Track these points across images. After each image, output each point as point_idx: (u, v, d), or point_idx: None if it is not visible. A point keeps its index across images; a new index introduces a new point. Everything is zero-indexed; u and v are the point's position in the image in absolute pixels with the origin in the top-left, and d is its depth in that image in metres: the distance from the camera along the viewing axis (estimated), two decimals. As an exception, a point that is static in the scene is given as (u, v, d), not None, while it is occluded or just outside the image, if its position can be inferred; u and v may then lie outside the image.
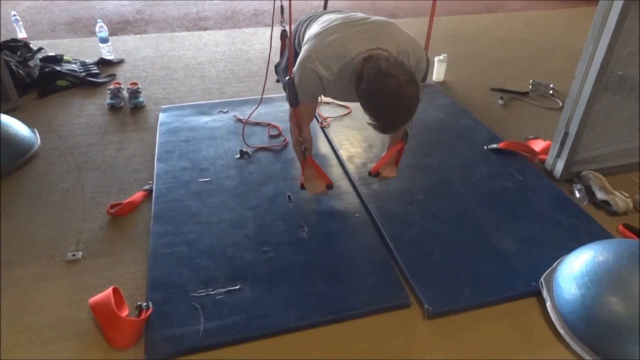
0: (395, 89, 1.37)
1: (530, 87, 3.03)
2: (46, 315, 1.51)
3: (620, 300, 1.38)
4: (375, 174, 1.89)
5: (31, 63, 2.89)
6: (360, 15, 1.70)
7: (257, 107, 2.46)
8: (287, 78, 1.67)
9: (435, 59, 3.07)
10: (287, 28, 2.17)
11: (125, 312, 1.49)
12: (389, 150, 1.89)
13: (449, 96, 2.90)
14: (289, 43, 1.80)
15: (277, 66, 2.33)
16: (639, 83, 2.04)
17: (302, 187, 1.89)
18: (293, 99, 1.66)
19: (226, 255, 1.72)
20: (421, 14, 4.43)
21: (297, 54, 1.83)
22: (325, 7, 2.46)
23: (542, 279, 1.62)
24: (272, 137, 2.43)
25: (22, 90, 2.75)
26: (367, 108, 1.45)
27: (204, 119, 2.56)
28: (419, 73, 1.62)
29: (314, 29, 1.69)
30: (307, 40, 1.65)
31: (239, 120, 2.54)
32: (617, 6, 1.76)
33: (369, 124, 1.48)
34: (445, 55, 3.07)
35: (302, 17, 1.92)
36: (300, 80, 1.59)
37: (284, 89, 2.21)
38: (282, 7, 2.14)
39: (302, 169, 1.88)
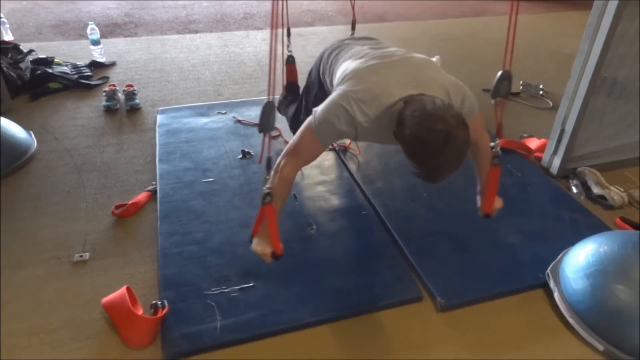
0: (444, 133, 1.15)
1: (520, 87, 3.11)
2: (57, 316, 1.49)
3: (628, 288, 1.43)
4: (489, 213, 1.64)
5: (22, 65, 2.83)
6: (396, 50, 1.55)
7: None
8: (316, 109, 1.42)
9: (429, 60, 3.12)
10: (293, 54, 2.16)
11: (139, 312, 1.47)
12: (490, 183, 1.63)
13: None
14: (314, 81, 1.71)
15: (281, 101, 2.22)
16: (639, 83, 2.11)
17: (251, 240, 1.46)
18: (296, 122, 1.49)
19: (236, 254, 1.71)
20: (409, 18, 4.51)
21: (321, 84, 1.76)
22: (353, 28, 2.27)
23: (548, 271, 1.67)
24: (273, 137, 2.44)
25: (13, 92, 2.69)
26: (411, 156, 1.23)
27: (203, 120, 2.55)
28: (466, 112, 1.41)
29: (349, 65, 1.51)
30: (343, 78, 1.45)
31: (239, 121, 2.53)
32: (612, 7, 1.83)
33: (413, 173, 1.25)
34: (438, 57, 3.13)
35: (328, 46, 1.77)
36: (327, 119, 1.36)
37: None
38: (288, 29, 2.10)
39: (257, 217, 1.43)
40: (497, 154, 1.59)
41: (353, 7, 2.17)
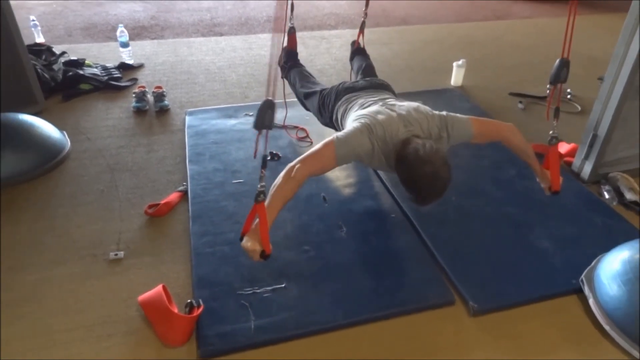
0: (431, 175, 1.48)
1: (547, 91, 3.07)
2: (95, 313, 1.52)
3: (667, 295, 1.41)
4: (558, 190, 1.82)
5: (55, 67, 2.90)
6: (395, 100, 1.84)
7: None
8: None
9: (454, 64, 3.12)
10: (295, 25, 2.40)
11: (175, 310, 1.49)
12: (552, 163, 1.82)
13: (469, 100, 2.95)
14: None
15: (282, 67, 2.38)
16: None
17: (241, 238, 1.48)
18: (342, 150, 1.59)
19: (268, 254, 1.73)
20: (432, 21, 4.49)
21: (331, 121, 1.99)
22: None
23: (582, 277, 1.65)
24: (300, 139, 2.46)
25: (47, 93, 2.75)
26: (406, 188, 1.58)
27: (231, 122, 2.58)
28: (462, 134, 1.71)
29: (361, 111, 1.75)
30: (358, 117, 1.70)
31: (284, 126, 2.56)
32: (649, 10, 1.80)
33: (407, 198, 1.63)
34: (464, 60, 3.12)
35: (332, 88, 2.03)
36: (350, 139, 1.60)
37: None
38: (292, 4, 2.27)
39: (249, 215, 1.49)
40: (554, 134, 1.81)
41: None
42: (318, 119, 2.17)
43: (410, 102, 1.77)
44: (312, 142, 2.42)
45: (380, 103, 1.77)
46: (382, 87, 1.99)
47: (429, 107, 1.76)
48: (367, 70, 2.29)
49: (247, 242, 1.45)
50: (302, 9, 4.62)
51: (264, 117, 1.39)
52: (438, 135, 1.67)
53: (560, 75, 1.70)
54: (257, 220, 1.47)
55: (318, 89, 2.15)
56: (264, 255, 1.45)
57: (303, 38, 3.91)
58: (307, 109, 2.30)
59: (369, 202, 2.03)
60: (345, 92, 1.96)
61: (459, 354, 1.45)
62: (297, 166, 1.54)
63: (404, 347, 1.46)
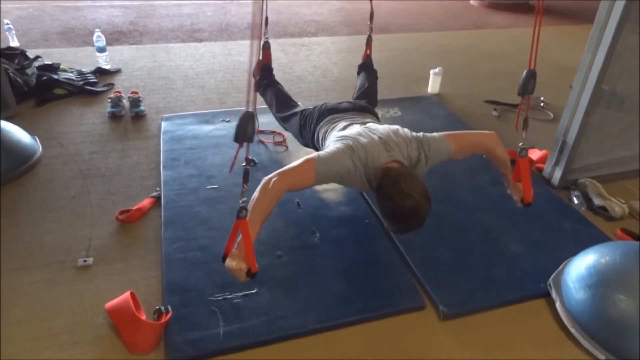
0: (411, 208, 1.48)
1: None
2: (61, 320, 1.49)
3: (629, 298, 1.44)
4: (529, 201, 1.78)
5: (28, 71, 2.86)
6: (375, 125, 1.80)
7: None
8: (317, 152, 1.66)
9: (431, 71, 3.16)
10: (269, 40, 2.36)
11: (142, 317, 1.47)
12: (523, 174, 1.77)
13: (445, 107, 2.99)
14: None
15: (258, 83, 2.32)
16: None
17: (224, 259, 1.42)
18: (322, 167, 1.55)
19: (240, 260, 1.72)
20: (412, 30, 4.56)
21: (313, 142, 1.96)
22: (371, 19, 2.41)
23: (550, 281, 1.68)
24: (276, 143, 2.46)
25: (19, 98, 2.71)
26: (384, 218, 1.62)
27: (208, 127, 2.57)
28: (441, 150, 1.70)
29: (342, 132, 1.75)
30: (341, 138, 1.69)
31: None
32: (614, 21, 1.86)
33: (386, 226, 1.70)
34: (441, 68, 3.17)
35: (314, 108, 2.01)
36: (331, 159, 1.58)
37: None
38: (266, 18, 2.22)
39: (231, 232, 1.41)
40: (523, 146, 1.75)
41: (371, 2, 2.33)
42: (298, 140, 2.14)
43: (390, 126, 1.76)
44: (287, 148, 2.42)
45: (362, 126, 1.77)
46: (365, 110, 1.99)
47: (407, 125, 1.78)
48: (366, 93, 2.26)
49: (231, 262, 1.38)
50: (283, 16, 4.65)
51: (245, 129, 1.33)
52: (417, 158, 1.67)
53: (527, 87, 1.70)
54: (239, 237, 1.40)
55: (298, 110, 2.13)
56: (250, 274, 1.36)
57: (283, 45, 3.93)
58: (285, 129, 2.30)
59: (343, 208, 2.04)
60: (328, 112, 1.94)
61: (429, 358, 1.46)
62: (274, 179, 1.50)
63: (375, 352, 1.46)
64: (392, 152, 1.63)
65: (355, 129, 1.74)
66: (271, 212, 1.51)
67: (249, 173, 1.40)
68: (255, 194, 1.50)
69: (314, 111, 2.01)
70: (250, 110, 1.33)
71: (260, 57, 2.33)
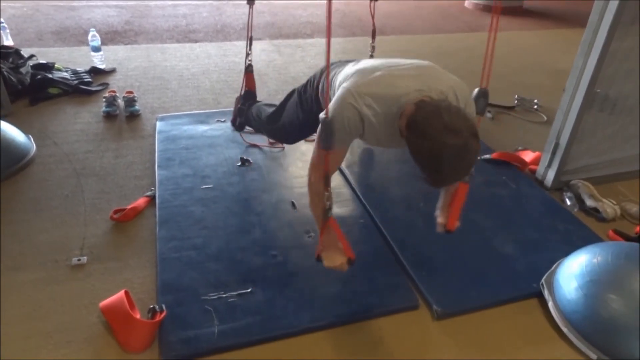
0: (462, 147, 1.16)
1: (515, 101, 3.16)
2: (54, 319, 1.48)
3: (621, 298, 1.45)
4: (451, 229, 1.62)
5: (23, 70, 2.84)
6: (400, 60, 1.53)
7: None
8: (322, 116, 1.34)
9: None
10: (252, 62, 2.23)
11: (137, 316, 1.47)
12: (458, 200, 1.62)
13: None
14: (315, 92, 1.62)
15: (240, 109, 2.27)
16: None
17: (318, 259, 1.47)
18: (326, 141, 1.33)
19: (235, 259, 1.73)
20: (407, 32, 4.58)
21: (317, 101, 1.71)
22: (373, 37, 2.33)
23: (542, 281, 1.69)
24: (271, 144, 2.45)
25: (13, 96, 2.70)
26: (423, 165, 1.23)
27: (203, 127, 2.57)
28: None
29: (350, 69, 1.50)
30: (345, 78, 1.45)
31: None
32: (606, 24, 1.88)
33: (419, 177, 1.25)
34: (435, 70, 3.18)
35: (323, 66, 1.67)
36: (337, 119, 1.33)
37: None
38: (251, 38, 2.15)
39: (320, 233, 1.45)
40: (472, 173, 1.52)
41: (373, 17, 2.23)
42: (293, 121, 1.87)
43: (422, 62, 1.49)
44: (283, 147, 2.42)
45: (381, 59, 1.49)
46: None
47: None
48: None
49: (331, 262, 1.43)
50: (278, 18, 4.66)
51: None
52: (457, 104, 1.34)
53: (477, 106, 1.52)
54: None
55: (290, 93, 1.95)
56: (350, 262, 1.44)
57: (279, 46, 3.94)
58: (276, 134, 2.12)
59: (338, 208, 2.04)
60: (335, 64, 1.67)
61: (423, 357, 1.47)
62: (313, 182, 1.45)
63: (369, 351, 1.47)
64: (426, 86, 1.31)
65: (369, 63, 1.45)
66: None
67: (329, 178, 1.37)
68: (311, 199, 1.51)
69: (316, 72, 1.75)
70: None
71: (244, 83, 2.24)
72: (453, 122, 1.17)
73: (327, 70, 1.33)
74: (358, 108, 1.32)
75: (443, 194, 1.68)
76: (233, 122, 2.42)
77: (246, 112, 2.26)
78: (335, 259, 1.43)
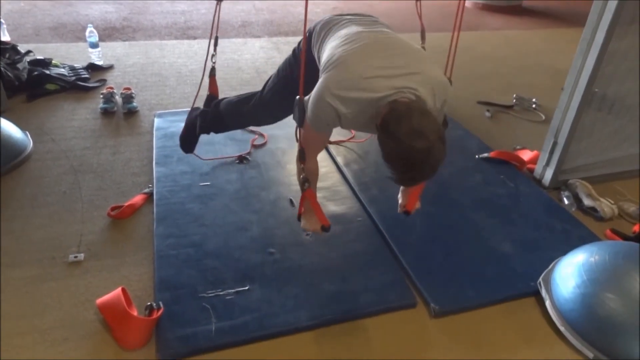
0: (425, 151, 1.22)
1: (514, 100, 3.16)
2: (51, 316, 1.48)
3: (618, 297, 1.45)
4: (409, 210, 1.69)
5: (20, 66, 2.83)
6: (388, 33, 1.56)
7: None
8: (297, 98, 1.46)
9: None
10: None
11: (134, 313, 1.47)
12: (416, 189, 1.71)
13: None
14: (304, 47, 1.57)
15: (204, 111, 2.13)
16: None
17: (299, 219, 1.64)
18: (300, 119, 1.47)
19: (233, 257, 1.72)
20: (405, 30, 4.55)
21: (312, 58, 1.67)
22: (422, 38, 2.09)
23: (540, 279, 1.69)
24: (254, 146, 2.41)
25: (10, 92, 2.69)
26: (390, 164, 1.30)
27: (201, 124, 2.56)
28: (441, 113, 1.49)
29: (336, 49, 1.47)
30: (330, 63, 1.44)
31: None
32: (604, 24, 1.88)
33: (388, 177, 1.33)
34: (434, 68, 3.18)
35: (319, 21, 1.70)
36: (315, 113, 1.42)
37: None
38: (217, 37, 2.00)
39: (300, 200, 1.60)
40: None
41: (420, 17, 2.06)
42: (287, 77, 1.80)
43: (412, 44, 1.49)
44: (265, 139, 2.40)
45: (369, 38, 1.47)
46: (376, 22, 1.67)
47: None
48: None
49: (306, 225, 1.62)
50: (277, 15, 4.65)
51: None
52: (442, 104, 1.41)
53: None
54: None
55: (272, 75, 1.89)
56: (324, 228, 1.57)
57: (277, 44, 3.93)
58: (258, 110, 1.95)
59: (336, 206, 2.04)
60: (323, 28, 1.65)
61: (420, 355, 1.47)
62: (300, 156, 1.54)
63: (366, 349, 1.47)
64: (406, 86, 1.34)
65: (357, 47, 1.43)
66: (318, 173, 1.67)
67: (304, 152, 1.53)
68: (297, 171, 1.62)
69: (309, 31, 1.70)
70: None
71: (208, 87, 2.11)
72: (421, 126, 1.23)
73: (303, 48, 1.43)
74: (335, 107, 1.37)
75: None
76: (183, 140, 2.14)
77: (213, 112, 2.08)
78: (311, 224, 1.61)
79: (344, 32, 1.55)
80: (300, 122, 1.49)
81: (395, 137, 1.24)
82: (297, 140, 1.57)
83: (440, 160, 1.27)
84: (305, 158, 1.54)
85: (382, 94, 1.33)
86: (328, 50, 1.52)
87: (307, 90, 1.48)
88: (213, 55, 2.02)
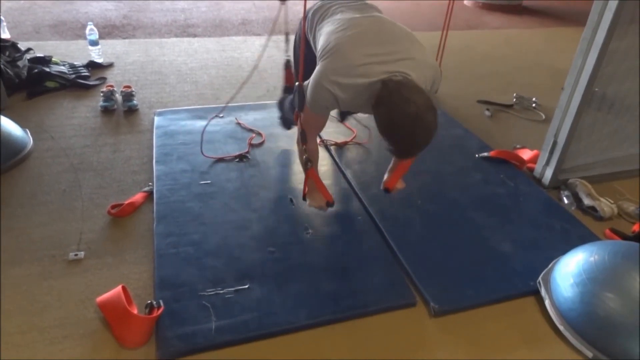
0: (413, 115, 1.34)
1: (514, 100, 3.16)
2: (51, 314, 1.48)
3: (617, 296, 1.46)
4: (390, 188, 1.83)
5: (20, 63, 2.83)
6: (380, 17, 1.66)
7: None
8: (296, 83, 1.62)
9: (425, 71, 3.18)
10: (291, 58, 2.19)
11: (134, 311, 1.47)
12: (401, 165, 1.84)
13: (439, 107, 2.99)
14: (302, 37, 1.73)
15: (281, 101, 2.30)
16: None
17: (304, 198, 1.83)
18: (300, 103, 1.62)
19: (233, 256, 1.72)
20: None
21: (307, 42, 1.78)
22: None
23: (539, 279, 1.70)
24: (252, 145, 2.40)
25: (10, 90, 2.69)
26: (384, 134, 1.42)
27: (201, 123, 2.55)
28: (432, 93, 1.56)
29: (331, 36, 1.58)
30: (326, 50, 1.55)
31: (239, 123, 2.55)
32: (605, 23, 1.88)
33: (387, 149, 1.47)
34: (434, 67, 3.18)
35: (312, 6, 1.80)
36: (314, 98, 1.55)
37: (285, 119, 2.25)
38: (287, 35, 2.13)
39: (304, 180, 1.80)
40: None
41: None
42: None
43: (404, 31, 1.59)
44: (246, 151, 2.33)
45: (363, 25, 1.57)
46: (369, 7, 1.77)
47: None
48: None
49: (312, 202, 1.81)
50: (275, 13, 4.63)
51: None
52: (425, 85, 1.50)
53: None
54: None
55: None
56: (329, 204, 1.78)
57: (277, 42, 3.91)
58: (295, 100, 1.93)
59: (336, 205, 2.03)
60: (316, 12, 1.77)
61: (420, 354, 1.47)
62: (297, 137, 1.73)
63: (366, 348, 1.47)
64: (398, 69, 1.44)
65: (351, 35, 1.53)
66: (318, 152, 1.84)
67: (305, 134, 1.69)
68: (299, 152, 1.79)
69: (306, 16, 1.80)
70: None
71: (284, 79, 2.20)
72: (411, 94, 1.36)
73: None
74: (333, 92, 1.49)
75: (392, 160, 1.92)
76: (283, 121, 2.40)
77: (282, 104, 2.29)
78: (316, 200, 1.81)
79: (337, 17, 1.66)
80: (301, 107, 1.62)
81: (388, 106, 1.38)
82: (295, 124, 1.73)
83: (432, 128, 1.38)
84: (306, 139, 1.69)
85: (375, 79, 1.45)
86: (324, 36, 1.62)
87: (307, 75, 1.61)
88: (286, 50, 2.22)
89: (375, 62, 1.46)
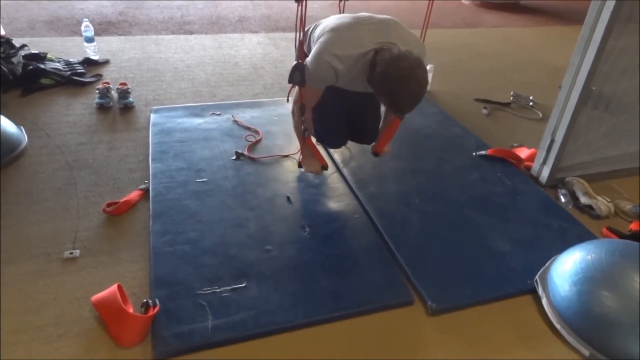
0: (406, 70, 1.53)
1: (511, 98, 3.16)
2: (46, 313, 1.47)
3: (614, 295, 1.46)
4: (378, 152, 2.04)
5: (14, 60, 2.80)
6: (367, 14, 1.83)
7: None
8: (297, 62, 1.74)
9: (422, 69, 3.17)
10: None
11: (130, 310, 1.46)
12: (389, 128, 2.05)
13: (436, 105, 3.00)
14: (300, 48, 1.82)
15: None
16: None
17: (300, 166, 2.05)
18: (300, 79, 1.74)
19: (230, 254, 1.71)
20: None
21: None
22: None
23: (537, 277, 1.70)
24: (249, 143, 2.39)
25: (4, 87, 2.67)
26: (381, 92, 1.62)
27: (197, 120, 2.55)
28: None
29: (327, 23, 1.79)
30: (322, 33, 1.73)
31: (235, 121, 2.54)
32: (603, 22, 1.87)
33: (384, 105, 1.70)
34: (432, 65, 3.17)
35: (310, 26, 1.94)
36: (315, 70, 1.70)
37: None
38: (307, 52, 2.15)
39: (301, 148, 2.02)
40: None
41: None
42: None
43: (389, 17, 1.78)
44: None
45: (352, 16, 1.78)
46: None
47: None
48: None
49: (308, 168, 2.05)
50: (274, 10, 4.63)
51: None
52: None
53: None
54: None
55: None
56: (324, 167, 2.03)
57: (275, 39, 3.91)
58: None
59: (333, 203, 2.04)
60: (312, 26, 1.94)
61: (417, 353, 1.47)
62: (298, 109, 1.86)
63: (363, 347, 1.47)
64: (387, 40, 1.65)
65: (341, 19, 1.76)
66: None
67: (304, 107, 1.84)
68: (293, 121, 1.97)
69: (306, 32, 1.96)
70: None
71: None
72: (402, 55, 1.56)
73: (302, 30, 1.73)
74: (332, 64, 1.66)
75: (382, 122, 2.10)
76: None
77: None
78: (312, 166, 2.04)
79: (332, 18, 1.85)
80: (303, 83, 1.75)
81: (382, 65, 1.56)
82: (287, 100, 1.94)
83: (424, 82, 1.56)
84: (305, 111, 1.86)
85: (369, 49, 1.64)
86: (320, 27, 1.81)
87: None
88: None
89: (367, 36, 1.67)
